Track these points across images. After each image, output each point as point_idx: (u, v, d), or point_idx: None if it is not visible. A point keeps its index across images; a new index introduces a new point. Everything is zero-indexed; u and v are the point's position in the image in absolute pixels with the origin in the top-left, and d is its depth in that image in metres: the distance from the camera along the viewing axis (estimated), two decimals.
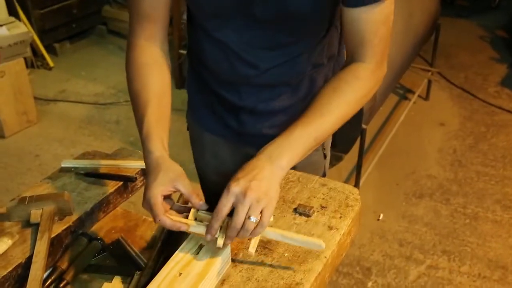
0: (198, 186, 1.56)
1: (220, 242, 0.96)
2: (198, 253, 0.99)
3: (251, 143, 1.32)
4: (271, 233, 0.99)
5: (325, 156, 1.41)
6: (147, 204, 0.98)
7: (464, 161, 3.18)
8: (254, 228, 0.94)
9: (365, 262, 2.47)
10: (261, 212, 0.94)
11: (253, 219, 0.93)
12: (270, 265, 1.01)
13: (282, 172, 0.99)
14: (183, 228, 0.97)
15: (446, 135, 3.43)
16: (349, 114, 1.09)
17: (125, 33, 4.46)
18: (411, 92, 3.80)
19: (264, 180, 0.95)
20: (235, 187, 0.94)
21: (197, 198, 0.99)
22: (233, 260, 1.03)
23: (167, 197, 1.01)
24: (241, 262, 1.03)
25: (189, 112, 1.43)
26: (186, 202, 1.06)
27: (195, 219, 1.00)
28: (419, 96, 3.73)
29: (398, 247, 2.55)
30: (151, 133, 1.06)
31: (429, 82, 3.75)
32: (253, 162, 0.99)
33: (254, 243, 0.98)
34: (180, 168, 1.02)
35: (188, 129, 1.46)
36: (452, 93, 3.92)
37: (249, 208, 0.93)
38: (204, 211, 1.00)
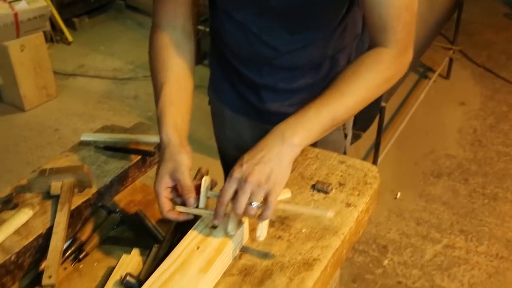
0: (218, 162, 1.57)
1: (230, 228, 0.97)
2: (215, 227, 1.00)
3: (271, 121, 1.32)
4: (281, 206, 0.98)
5: (345, 136, 1.40)
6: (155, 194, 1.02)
7: (484, 141, 3.13)
8: (262, 213, 0.93)
9: (381, 240, 2.47)
10: (267, 197, 0.93)
11: (254, 204, 0.92)
12: (288, 241, 1.01)
13: (294, 149, 0.97)
14: (189, 218, 1.00)
15: (466, 114, 3.38)
16: (368, 99, 1.07)
17: (143, 9, 4.46)
18: (432, 70, 3.74)
19: (269, 163, 0.94)
20: (237, 173, 0.93)
21: (190, 194, 0.99)
22: (250, 235, 1.03)
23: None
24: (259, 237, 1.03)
25: (210, 87, 1.43)
26: (214, 184, 1.06)
27: (207, 197, 1.01)
28: (439, 75, 3.67)
29: (415, 226, 2.54)
30: (162, 116, 1.07)
31: (451, 60, 3.69)
32: (263, 141, 0.98)
33: (260, 229, 0.97)
34: (184, 158, 1.02)
35: (209, 103, 1.46)
36: (473, 72, 3.86)
37: (251, 194, 0.92)
38: (214, 192, 1.01)
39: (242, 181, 0.92)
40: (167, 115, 1.07)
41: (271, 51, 1.18)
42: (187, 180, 1.00)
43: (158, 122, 1.08)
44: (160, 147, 1.06)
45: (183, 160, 1.01)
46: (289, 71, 1.23)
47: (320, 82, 1.25)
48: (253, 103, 1.31)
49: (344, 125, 1.36)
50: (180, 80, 1.13)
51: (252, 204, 0.92)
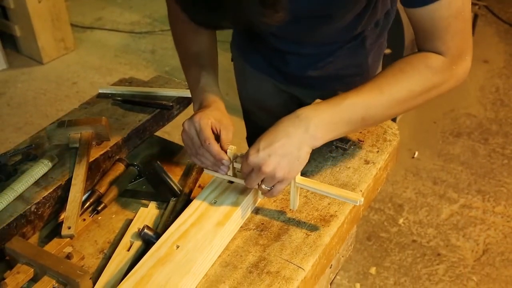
0: (236, 118, 1.56)
1: (261, 195, 0.99)
2: (232, 182, 1.00)
3: (294, 83, 1.30)
4: (307, 186, 0.95)
5: None
6: (194, 126, 0.95)
7: (506, 101, 3.07)
8: (266, 194, 0.93)
9: (397, 199, 2.46)
10: (276, 184, 0.91)
11: (264, 187, 0.92)
12: (305, 197, 1.01)
13: (316, 142, 0.90)
14: (225, 160, 0.94)
15: (489, 72, 3.30)
16: (409, 104, 0.96)
17: None
18: None
19: (286, 157, 0.88)
20: (253, 159, 0.89)
21: (228, 146, 0.97)
22: None
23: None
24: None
25: (233, 44, 1.41)
26: None
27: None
28: None
29: (431, 185, 2.53)
30: (209, 83, 1.05)
31: (475, 16, 3.58)
32: (285, 124, 0.91)
33: (292, 201, 0.98)
34: (230, 122, 1.00)
35: (232, 60, 1.45)
36: (499, 28, 3.75)
37: (264, 179, 0.90)
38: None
39: (257, 168, 0.89)
40: (213, 84, 1.06)
41: (295, 31, 1.15)
42: (230, 136, 0.97)
43: (204, 87, 1.05)
44: (207, 97, 1.03)
45: (230, 122, 0.99)
46: (309, 44, 1.21)
47: (345, 44, 1.21)
48: (278, 66, 1.29)
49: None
50: (212, 49, 1.12)
51: (263, 186, 0.92)
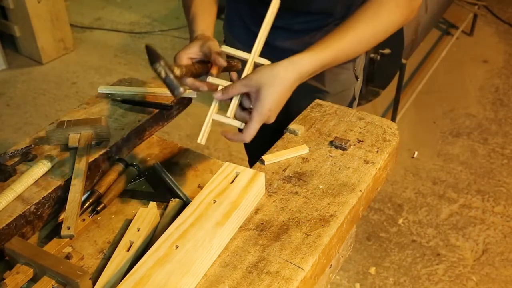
0: None
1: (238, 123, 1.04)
2: (232, 181, 1.00)
3: (281, 57, 1.34)
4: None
5: (357, 78, 1.41)
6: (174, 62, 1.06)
7: (506, 100, 3.07)
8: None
9: (397, 199, 2.46)
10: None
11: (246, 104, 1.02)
12: (304, 197, 1.01)
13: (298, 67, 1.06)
14: (203, 87, 1.07)
15: (489, 72, 3.30)
16: (367, 35, 1.08)
17: None
18: (455, 27, 3.65)
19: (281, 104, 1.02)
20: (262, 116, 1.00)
21: (220, 59, 1.07)
22: (267, 190, 1.03)
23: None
24: (275, 192, 1.03)
25: (225, 24, 1.47)
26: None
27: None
28: (463, 31, 3.58)
29: (431, 185, 2.53)
30: (196, 18, 1.16)
31: (475, 16, 3.59)
32: (280, 70, 1.05)
33: (202, 134, 1.03)
34: (212, 38, 1.11)
35: (224, 41, 1.49)
36: (498, 28, 3.75)
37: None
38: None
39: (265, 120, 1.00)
40: (201, 18, 1.16)
41: None
42: (217, 48, 1.07)
43: (190, 22, 1.17)
44: (191, 39, 1.14)
45: (212, 38, 1.09)
46: (304, 15, 1.26)
47: (333, 22, 1.26)
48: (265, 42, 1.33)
49: (354, 65, 1.37)
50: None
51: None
